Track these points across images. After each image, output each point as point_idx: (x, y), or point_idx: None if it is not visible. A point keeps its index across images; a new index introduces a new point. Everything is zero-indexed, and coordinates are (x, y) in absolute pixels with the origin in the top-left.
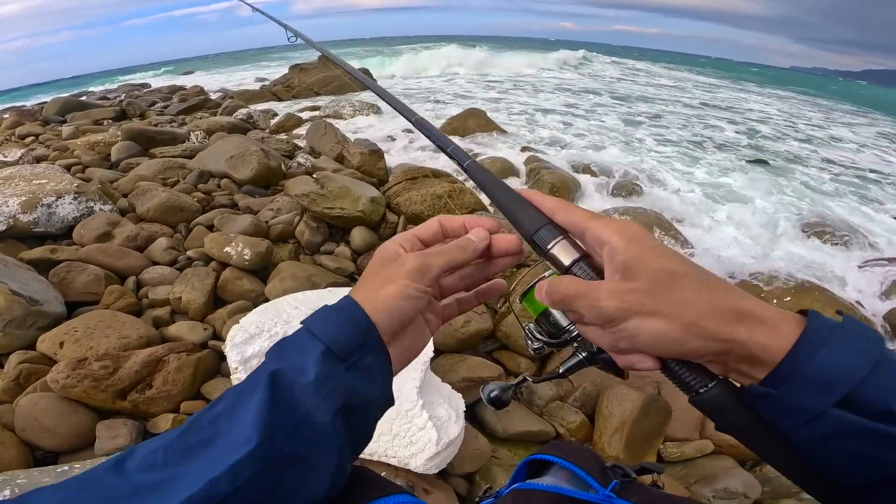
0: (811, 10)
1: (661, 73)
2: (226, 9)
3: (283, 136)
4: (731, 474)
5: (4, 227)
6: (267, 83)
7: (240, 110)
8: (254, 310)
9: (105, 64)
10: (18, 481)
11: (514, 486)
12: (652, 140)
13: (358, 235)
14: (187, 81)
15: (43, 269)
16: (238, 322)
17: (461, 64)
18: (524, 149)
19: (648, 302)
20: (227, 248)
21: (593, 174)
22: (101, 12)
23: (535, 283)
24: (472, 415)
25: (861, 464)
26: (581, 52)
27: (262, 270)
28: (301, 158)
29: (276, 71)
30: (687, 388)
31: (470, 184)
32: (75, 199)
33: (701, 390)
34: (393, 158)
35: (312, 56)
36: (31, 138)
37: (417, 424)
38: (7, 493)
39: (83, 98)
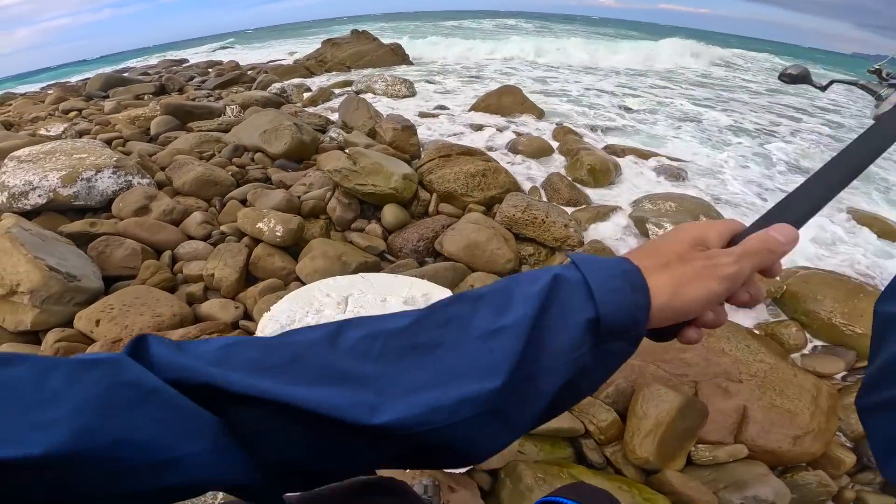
0: None
1: (728, 57)
2: None
3: (315, 110)
4: (762, 481)
5: (45, 201)
6: (300, 58)
7: (273, 84)
8: (285, 297)
9: (147, 40)
10: None
11: None
12: (719, 130)
13: (390, 213)
14: (224, 56)
15: (82, 243)
16: (269, 310)
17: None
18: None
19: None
20: (260, 224)
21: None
22: None
23: None
24: None
25: None
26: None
27: (293, 247)
28: (333, 133)
29: (310, 46)
30: None
31: (504, 162)
32: (114, 172)
33: None
34: (424, 134)
35: (345, 30)
36: (75, 113)
37: None
38: None
39: (125, 74)
